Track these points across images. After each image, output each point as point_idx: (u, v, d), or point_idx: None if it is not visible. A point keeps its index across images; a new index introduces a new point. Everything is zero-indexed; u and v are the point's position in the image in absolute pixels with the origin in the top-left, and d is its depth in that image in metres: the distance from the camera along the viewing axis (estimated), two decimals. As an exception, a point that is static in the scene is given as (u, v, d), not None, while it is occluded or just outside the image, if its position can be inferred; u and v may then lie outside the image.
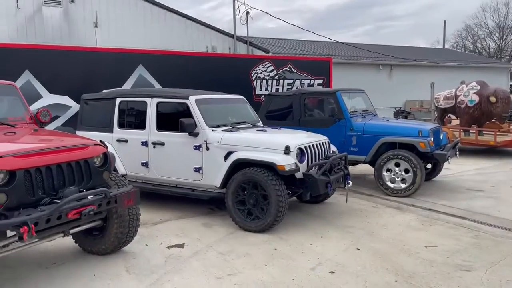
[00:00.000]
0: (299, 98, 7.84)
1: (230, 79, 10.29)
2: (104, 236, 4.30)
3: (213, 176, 5.55)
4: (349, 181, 5.77)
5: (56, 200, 3.41)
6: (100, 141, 4.17)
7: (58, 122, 9.15)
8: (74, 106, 9.34)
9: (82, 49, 9.80)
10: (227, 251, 4.53)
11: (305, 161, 5.33)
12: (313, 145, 5.56)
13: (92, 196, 3.57)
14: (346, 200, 6.00)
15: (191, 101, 5.80)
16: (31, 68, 8.93)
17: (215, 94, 6.49)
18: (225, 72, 10.39)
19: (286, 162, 5.05)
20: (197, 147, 5.67)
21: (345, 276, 3.87)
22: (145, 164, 6.09)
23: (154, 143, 6.00)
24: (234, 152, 5.40)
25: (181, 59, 10.19)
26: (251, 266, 4.13)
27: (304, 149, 5.35)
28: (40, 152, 3.43)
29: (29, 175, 3.30)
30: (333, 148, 6.21)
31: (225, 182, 5.43)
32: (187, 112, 5.80)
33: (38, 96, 9.09)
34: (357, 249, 4.57)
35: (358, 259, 4.29)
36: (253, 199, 5.20)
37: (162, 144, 5.95)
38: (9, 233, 3.46)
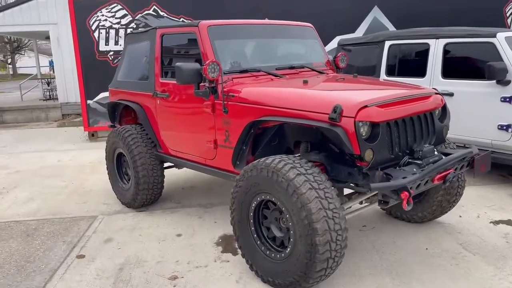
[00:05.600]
0: None
1: (476, 17, 8.38)
2: (423, 202, 3.65)
3: (530, 137, 4.33)
4: None
5: (414, 161, 2.81)
6: (435, 89, 3.40)
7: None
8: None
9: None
10: None
11: None
12: None
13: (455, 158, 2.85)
14: None
15: (500, 39, 4.54)
16: (269, 14, 8.80)
17: (519, 30, 5.03)
18: (470, 9, 8.52)
19: None
20: (508, 99, 4.47)
21: None
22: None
23: (438, 94, 5.02)
24: None
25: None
26: None
27: None
28: (395, 102, 2.84)
29: (389, 129, 2.75)
30: None
31: (554, 146, 4.16)
32: (490, 55, 4.59)
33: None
34: None
35: None
36: None
37: (450, 94, 4.93)
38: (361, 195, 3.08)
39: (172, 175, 5.30)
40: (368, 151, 2.62)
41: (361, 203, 3.20)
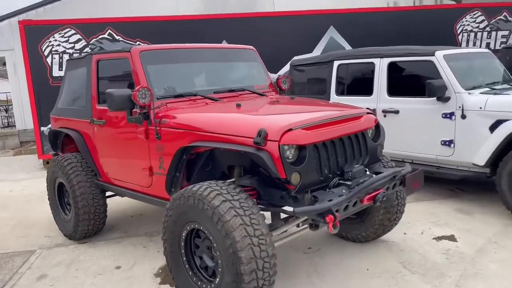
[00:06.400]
0: (558, 49, 5.97)
1: (429, 35, 8.74)
2: (365, 222, 3.64)
3: (471, 152, 4.42)
4: None
5: (344, 182, 2.80)
6: (368, 108, 3.44)
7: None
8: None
9: (269, 14, 9.46)
10: (527, 253, 3.43)
11: None
12: None
13: (384, 178, 2.85)
14: None
15: (439, 57, 4.68)
16: (227, 37, 8.91)
17: (459, 48, 5.21)
18: (423, 27, 8.88)
19: None
20: (448, 115, 4.58)
21: None
22: (372, 136, 5.28)
23: (384, 111, 5.12)
24: (507, 120, 4.15)
25: (373, 16, 9.00)
26: None
27: None
28: (322, 124, 2.83)
29: (317, 151, 2.73)
30: None
31: (493, 160, 4.25)
32: (431, 73, 4.73)
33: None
34: None
35: None
36: (545, 183, 3.92)
37: (396, 112, 5.02)
38: (290, 220, 3.03)
39: (121, 203, 5.14)
40: (295, 174, 2.59)
41: (298, 226, 3.15)
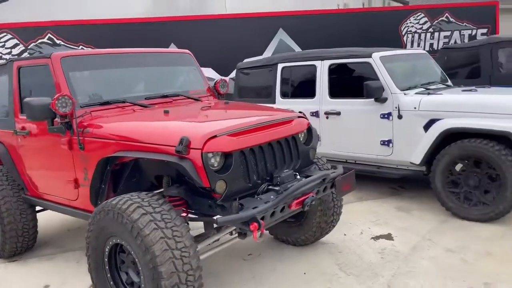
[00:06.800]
0: (490, 49, 6.27)
1: (376, 36, 8.98)
2: (303, 225, 3.63)
3: (408, 151, 4.53)
4: None
5: (274, 187, 2.76)
6: (300, 112, 3.43)
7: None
8: (217, 78, 9.06)
9: (218, 16, 9.37)
10: (458, 248, 3.53)
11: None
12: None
13: (312, 181, 2.83)
14: None
15: (375, 59, 4.78)
16: (176, 40, 8.76)
17: (396, 50, 5.34)
18: (370, 28, 9.10)
19: (526, 131, 3.78)
20: (386, 116, 4.67)
21: None
22: (316, 137, 5.31)
23: (327, 113, 5.17)
24: (439, 120, 4.28)
25: (322, 18, 9.14)
26: (507, 271, 3.08)
27: (545, 112, 4.00)
28: (252, 129, 2.79)
29: (244, 157, 2.68)
30: None
31: (427, 158, 4.38)
32: (369, 74, 4.82)
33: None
34: None
35: None
36: (474, 180, 4.06)
37: (338, 113, 5.08)
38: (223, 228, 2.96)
39: (56, 216, 4.87)
40: (220, 182, 2.52)
41: (231, 233, 3.09)
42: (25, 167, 3.73)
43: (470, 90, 4.61)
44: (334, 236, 3.91)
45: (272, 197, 2.66)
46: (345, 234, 3.98)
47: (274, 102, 5.73)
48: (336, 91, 5.16)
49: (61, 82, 3.14)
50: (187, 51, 4.19)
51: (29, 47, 7.82)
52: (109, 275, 2.67)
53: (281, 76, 5.72)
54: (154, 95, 3.57)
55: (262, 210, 2.46)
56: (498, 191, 3.88)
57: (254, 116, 2.98)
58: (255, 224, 2.39)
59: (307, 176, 3.00)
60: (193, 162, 2.46)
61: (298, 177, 2.96)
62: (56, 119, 3.05)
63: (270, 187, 2.78)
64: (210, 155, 2.51)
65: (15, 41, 7.77)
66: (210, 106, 3.42)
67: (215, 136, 2.56)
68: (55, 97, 2.90)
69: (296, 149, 3.07)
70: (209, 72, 9.10)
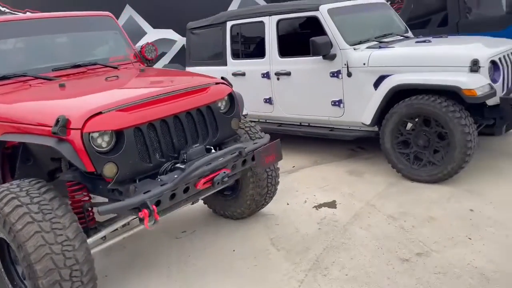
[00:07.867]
0: (458, -6, 5.81)
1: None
2: (238, 198, 3.40)
3: (359, 111, 4.24)
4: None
5: (179, 165, 2.49)
6: (222, 77, 3.10)
7: (165, 60, 8.51)
8: (179, 40, 8.58)
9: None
10: (400, 214, 3.33)
11: (500, 80, 3.68)
12: (509, 55, 3.83)
13: (222, 156, 2.56)
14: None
15: (323, 12, 4.37)
16: (132, 2, 8.21)
17: (348, 1, 4.90)
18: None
19: (477, 84, 3.47)
20: (335, 74, 4.34)
21: None
22: (268, 101, 5.00)
23: (277, 74, 4.81)
24: (388, 76, 3.96)
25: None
26: (447, 241, 2.88)
27: (499, 62, 3.68)
28: (151, 101, 2.47)
29: (141, 134, 2.38)
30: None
31: (377, 118, 4.10)
32: (317, 29, 4.42)
33: (143, 33, 8.48)
34: None
35: None
36: (423, 139, 3.80)
37: (288, 74, 4.73)
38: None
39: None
40: (110, 165, 2.24)
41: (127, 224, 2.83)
42: None
43: (424, 41, 4.24)
44: (276, 206, 3.70)
45: (176, 176, 2.39)
46: (288, 204, 3.76)
47: (225, 64, 5.36)
48: (285, 50, 4.79)
49: None
50: (107, 13, 3.77)
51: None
52: (2, 270, 2.45)
53: (231, 35, 5.30)
54: (63, 65, 3.21)
55: (155, 195, 2.20)
56: (447, 150, 3.63)
57: (159, 87, 2.66)
58: (145, 210, 2.14)
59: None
60: (73, 144, 2.17)
61: (213, 151, 2.68)
62: None
63: (177, 165, 2.51)
64: (95, 135, 2.21)
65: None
66: (117, 76, 3.07)
67: (100, 113, 2.25)
68: None
69: (213, 120, 2.77)
70: (170, 34, 8.62)
